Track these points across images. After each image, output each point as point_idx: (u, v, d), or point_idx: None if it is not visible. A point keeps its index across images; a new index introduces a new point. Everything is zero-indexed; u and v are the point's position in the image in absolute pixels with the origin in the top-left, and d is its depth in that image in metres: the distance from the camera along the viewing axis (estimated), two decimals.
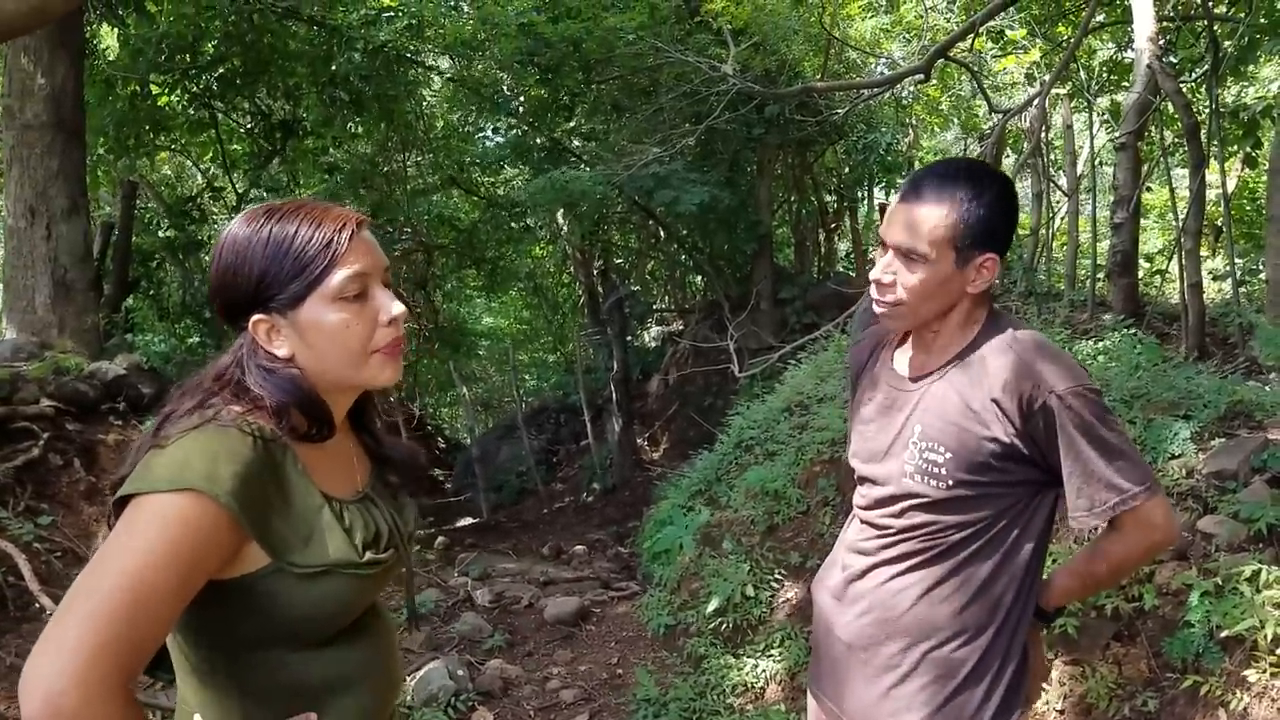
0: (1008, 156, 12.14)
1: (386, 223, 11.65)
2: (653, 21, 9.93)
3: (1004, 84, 12.22)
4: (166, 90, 9.95)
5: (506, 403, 20.10)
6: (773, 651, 4.51)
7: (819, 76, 11.08)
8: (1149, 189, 10.50)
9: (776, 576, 4.97)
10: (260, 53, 9.66)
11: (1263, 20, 6.80)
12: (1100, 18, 8.87)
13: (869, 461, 1.86)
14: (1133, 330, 6.13)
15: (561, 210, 11.57)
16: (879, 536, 1.82)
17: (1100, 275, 8.24)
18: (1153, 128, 7.68)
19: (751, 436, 6.48)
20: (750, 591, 4.85)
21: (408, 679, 4.50)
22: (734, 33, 9.17)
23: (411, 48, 10.61)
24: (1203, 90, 8.10)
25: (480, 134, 13.25)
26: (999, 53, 9.74)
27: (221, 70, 9.88)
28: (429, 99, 13.07)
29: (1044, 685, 3.36)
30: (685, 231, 12.80)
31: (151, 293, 10.33)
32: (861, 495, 1.90)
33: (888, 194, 14.05)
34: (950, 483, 1.69)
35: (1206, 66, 7.24)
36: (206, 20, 9.28)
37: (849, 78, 11.79)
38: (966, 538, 1.72)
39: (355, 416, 1.47)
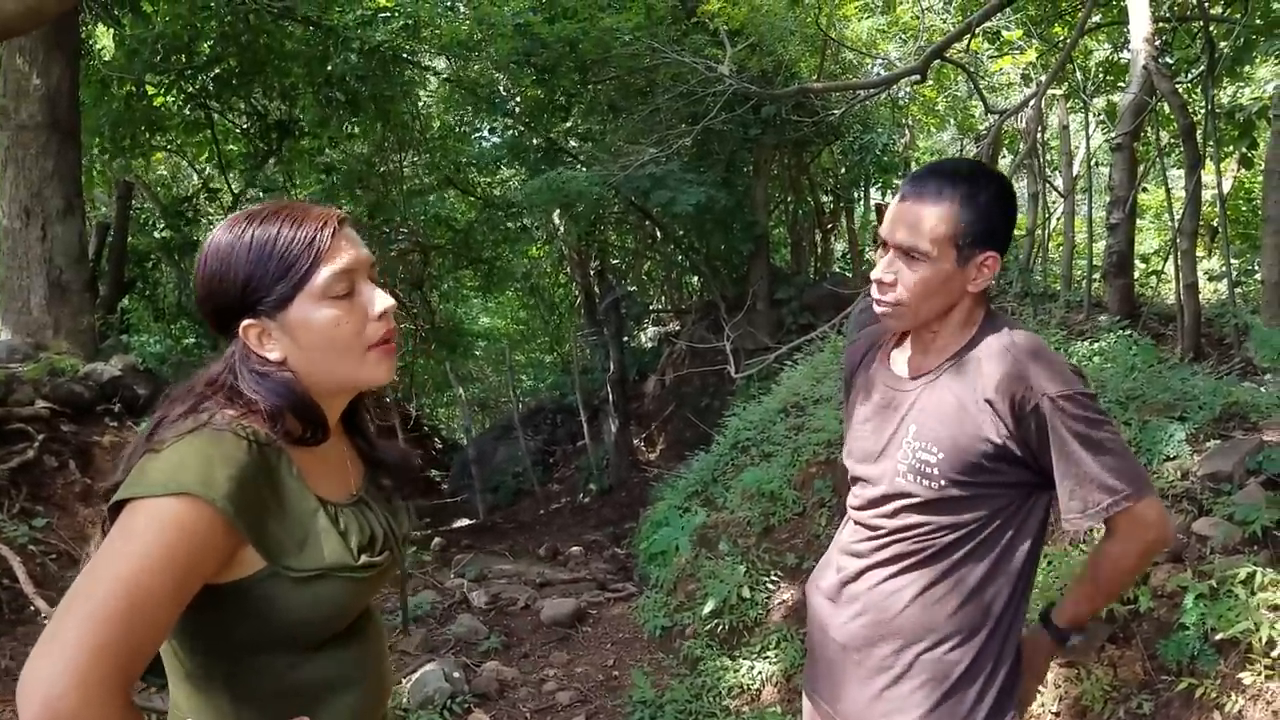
0: (1004, 157, 12.17)
1: (383, 223, 11.66)
2: (649, 22, 9.93)
3: (1000, 85, 12.23)
4: (162, 90, 9.94)
5: (503, 403, 20.11)
6: (769, 653, 4.52)
7: (815, 77, 11.07)
8: (1145, 189, 10.52)
9: (772, 578, 4.97)
10: (256, 53, 9.66)
11: (1259, 21, 6.81)
12: (1096, 18, 8.88)
13: (863, 461, 1.86)
14: (1128, 331, 6.14)
15: (558, 210, 11.57)
16: (872, 538, 1.82)
17: (1096, 276, 8.24)
18: (1149, 128, 7.68)
19: (748, 437, 6.48)
20: (746, 593, 4.86)
21: (403, 681, 4.49)
22: (730, 33, 9.17)
23: (408, 48, 10.60)
24: (1199, 91, 8.10)
25: (476, 134, 13.26)
26: (995, 53, 9.75)
27: (217, 70, 9.88)
28: (425, 99, 13.07)
29: (1040, 688, 3.37)
30: (682, 232, 12.81)
31: (147, 293, 10.34)
32: (855, 496, 1.90)
33: (884, 195, 14.05)
34: (942, 483, 1.70)
35: (1202, 67, 7.25)
36: (202, 20, 9.27)
37: (845, 78, 11.78)
38: (958, 539, 1.72)
39: (348, 420, 1.47)
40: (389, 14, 9.91)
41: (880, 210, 13.39)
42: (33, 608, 4.46)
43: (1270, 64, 9.92)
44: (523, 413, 16.71)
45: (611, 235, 14.80)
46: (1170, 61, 8.13)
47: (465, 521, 13.26)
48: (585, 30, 9.89)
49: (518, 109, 11.91)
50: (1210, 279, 10.30)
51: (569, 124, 12.18)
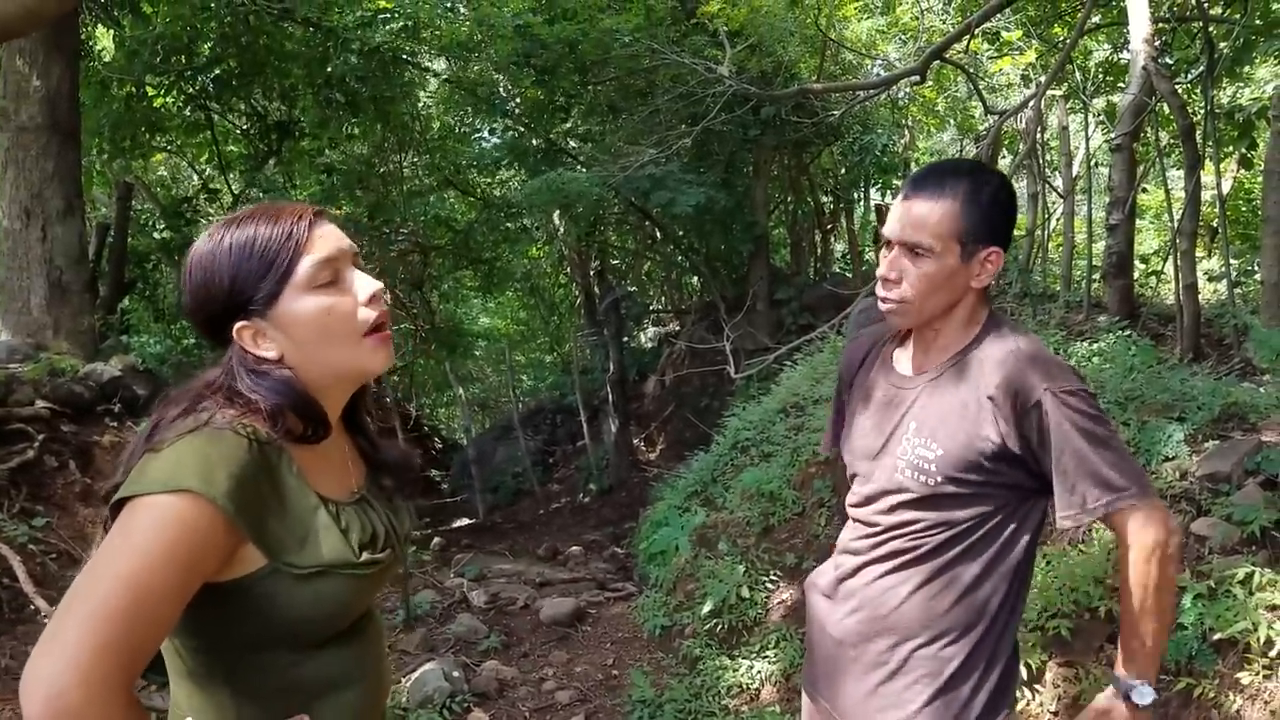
0: (1003, 158, 12.17)
1: (383, 224, 11.65)
2: (649, 23, 9.94)
3: (1000, 85, 12.24)
4: (162, 91, 9.94)
5: (503, 403, 20.11)
6: (768, 653, 4.52)
7: (815, 78, 11.07)
8: (1144, 190, 10.52)
9: (772, 578, 4.97)
10: (256, 54, 9.66)
11: (1258, 21, 6.82)
12: (1096, 19, 8.89)
13: (864, 458, 1.87)
14: (1127, 332, 6.14)
15: (558, 211, 11.58)
16: (869, 535, 1.83)
17: (1095, 276, 8.25)
18: (1148, 129, 7.68)
19: (747, 438, 6.49)
20: (745, 593, 4.86)
21: (403, 680, 4.50)
22: (730, 34, 9.18)
23: (407, 49, 10.60)
24: (1198, 91, 8.11)
25: (476, 135, 13.26)
26: (995, 54, 9.75)
27: (217, 71, 9.87)
28: (425, 100, 13.07)
29: (1037, 687, 3.38)
30: (681, 232, 12.81)
31: (147, 294, 10.32)
32: (853, 493, 1.92)
33: (884, 195, 14.07)
34: (939, 479, 1.70)
35: (1202, 67, 7.25)
36: (202, 21, 9.27)
37: (845, 79, 11.78)
38: (954, 537, 1.73)
39: (349, 419, 1.48)
40: (389, 15, 9.92)
41: (880, 211, 13.42)
42: (33, 607, 4.47)
43: (1270, 64, 9.92)
44: (522, 413, 16.72)
45: (611, 236, 14.81)
46: (1170, 62, 8.13)
47: (465, 521, 13.27)
48: (585, 31, 9.90)
49: (517, 110, 11.92)
50: (1210, 279, 10.30)
51: (569, 125, 12.19)
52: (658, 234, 14.09)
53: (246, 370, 1.28)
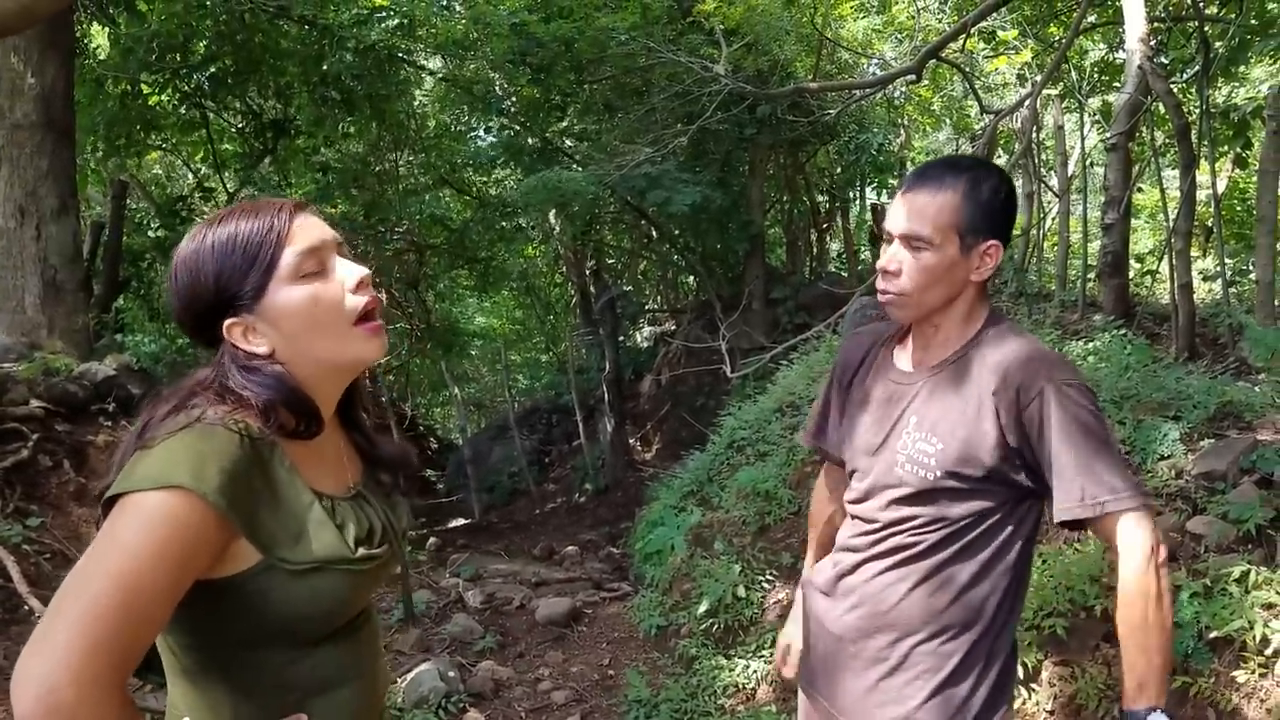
0: (999, 157, 12.16)
1: (378, 222, 11.64)
2: (645, 21, 9.92)
3: (995, 85, 12.26)
4: (157, 89, 9.92)
5: (498, 403, 20.08)
6: (764, 652, 4.51)
7: (811, 77, 11.07)
8: (1140, 190, 10.52)
9: (768, 577, 4.97)
10: (251, 52, 9.64)
11: (1253, 21, 6.83)
12: (1091, 19, 8.90)
13: (863, 454, 1.88)
14: (1123, 331, 6.15)
15: (554, 210, 11.54)
16: (868, 532, 1.84)
17: (1091, 276, 8.26)
18: (1144, 128, 7.70)
19: (743, 437, 6.49)
20: (742, 592, 4.86)
21: (398, 681, 4.49)
22: (726, 33, 9.17)
23: (403, 47, 10.59)
24: (1193, 91, 8.13)
25: (472, 134, 13.23)
26: (991, 53, 9.77)
27: (212, 69, 9.86)
28: (421, 99, 13.06)
29: (1033, 685, 3.38)
30: (677, 232, 12.80)
31: (142, 293, 10.29)
32: (852, 489, 1.92)
33: (879, 194, 14.08)
34: (939, 473, 1.71)
35: (1197, 67, 7.26)
36: (197, 19, 9.26)
37: (841, 78, 11.80)
38: (952, 534, 1.73)
39: (344, 415, 1.47)
40: (384, 13, 9.91)
41: (876, 211, 13.43)
42: (27, 607, 4.46)
43: (1265, 64, 9.95)
44: (518, 412, 16.70)
45: (607, 235, 14.79)
46: (1165, 61, 8.14)
47: (461, 521, 13.26)
48: (581, 30, 9.88)
49: (513, 108, 11.89)
50: (1205, 279, 10.32)
51: (565, 123, 12.18)
52: (653, 233, 14.08)
53: (238, 367, 1.27)
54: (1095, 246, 8.29)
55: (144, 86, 9.71)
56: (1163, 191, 7.94)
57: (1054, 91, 9.80)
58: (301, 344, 1.29)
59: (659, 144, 9.29)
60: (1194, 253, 9.30)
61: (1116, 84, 8.59)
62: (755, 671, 4.41)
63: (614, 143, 10.13)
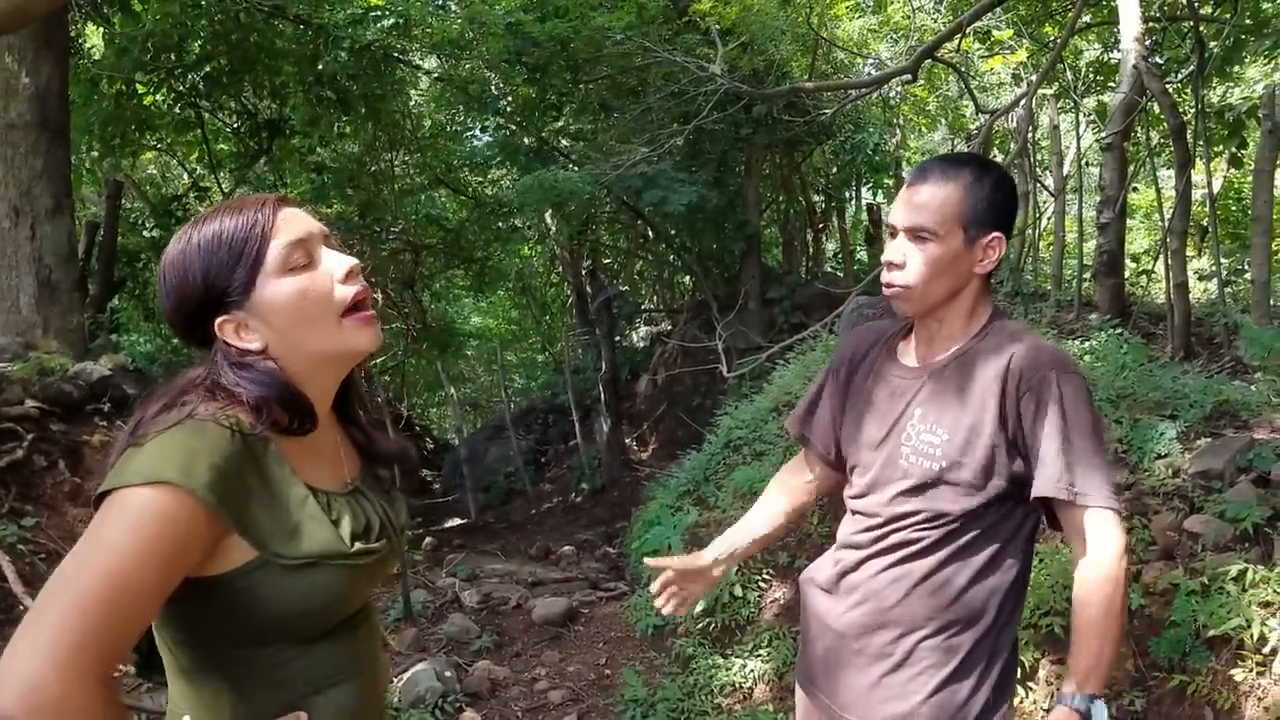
0: (995, 157, 12.18)
1: (374, 222, 11.62)
2: (640, 21, 9.92)
3: (991, 84, 12.25)
4: (152, 89, 9.89)
5: (494, 403, 20.07)
6: (760, 651, 4.51)
7: (807, 76, 11.08)
8: (1135, 189, 10.54)
9: (764, 577, 4.97)
10: (246, 51, 9.61)
11: (1248, 21, 6.84)
12: (1087, 18, 8.91)
13: (866, 448, 1.88)
14: (1119, 330, 6.16)
15: (549, 210, 11.54)
16: (871, 528, 1.84)
17: (1086, 275, 8.27)
18: (1139, 128, 7.71)
19: (740, 436, 6.48)
20: (738, 592, 4.85)
21: (395, 681, 4.49)
22: (722, 32, 9.16)
23: (399, 47, 10.56)
24: (1188, 90, 8.13)
25: (468, 133, 13.21)
26: (986, 53, 9.75)
27: (207, 69, 9.83)
28: (416, 98, 13.03)
29: (1030, 684, 3.38)
30: (673, 231, 12.80)
31: (137, 293, 10.25)
32: (853, 485, 1.92)
33: (875, 194, 14.09)
34: (944, 464, 1.72)
35: (1192, 67, 7.27)
36: (192, 19, 9.23)
37: (837, 78, 11.80)
38: (954, 530, 1.74)
39: (341, 411, 1.47)
40: (380, 13, 9.88)
41: (873, 211, 13.44)
42: (22, 607, 4.44)
43: (1260, 64, 9.96)
44: (514, 412, 16.69)
45: (603, 235, 14.78)
46: (1160, 61, 8.16)
47: (457, 521, 13.25)
48: (577, 29, 9.87)
49: (509, 108, 11.88)
50: (1200, 278, 10.33)
51: (560, 123, 12.16)
52: (650, 233, 14.08)
53: (229, 364, 1.27)
54: (1091, 246, 8.30)
55: (139, 86, 9.68)
56: (1158, 191, 7.93)
57: (1049, 91, 9.81)
58: (293, 338, 1.29)
59: (655, 144, 9.28)
60: (1189, 252, 9.32)
61: (1112, 84, 8.60)
62: (752, 671, 4.41)
63: (610, 142, 10.12)
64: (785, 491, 2.16)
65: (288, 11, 9.27)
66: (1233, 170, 10.17)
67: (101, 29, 9.54)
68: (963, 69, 9.17)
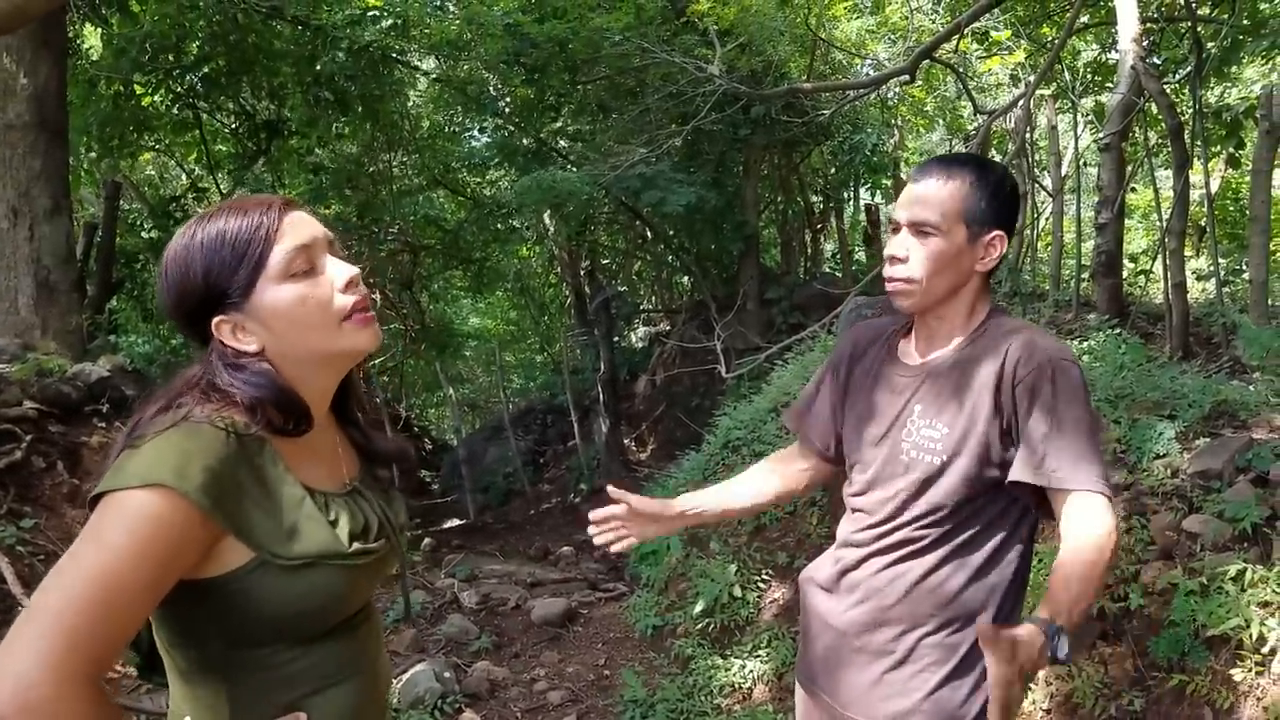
0: (993, 157, 12.19)
1: (372, 223, 11.61)
2: (639, 22, 9.92)
3: (989, 85, 12.26)
4: (150, 90, 9.88)
5: (493, 403, 20.06)
6: (760, 652, 4.51)
7: (805, 77, 11.09)
8: (1133, 189, 10.54)
9: (764, 577, 4.97)
10: (245, 52, 9.61)
11: (1245, 21, 6.85)
12: (1085, 19, 8.91)
13: (867, 445, 1.88)
14: (1117, 330, 6.15)
15: (548, 210, 11.55)
16: (871, 526, 1.84)
17: (1085, 275, 8.27)
18: (1137, 128, 7.71)
19: (738, 437, 6.48)
20: (737, 592, 4.86)
21: (395, 681, 4.48)
22: (720, 33, 9.17)
23: (397, 48, 10.56)
24: (1186, 91, 8.14)
25: (466, 134, 13.22)
26: (984, 54, 9.76)
27: (206, 70, 9.82)
28: (414, 99, 13.03)
29: (1030, 685, 3.38)
30: (672, 232, 12.81)
31: (135, 294, 10.25)
32: (853, 482, 1.93)
33: (873, 195, 14.10)
34: (945, 458, 1.73)
35: (1190, 67, 7.27)
36: (190, 20, 9.23)
37: (835, 79, 11.81)
38: (954, 528, 1.75)
39: (340, 411, 1.47)
40: (378, 13, 9.88)
41: (871, 211, 13.44)
42: (20, 608, 4.44)
43: (1257, 64, 9.98)
44: (513, 413, 16.68)
45: (602, 235, 14.79)
46: (1158, 62, 8.16)
47: (456, 522, 13.25)
48: (575, 30, 9.88)
49: (507, 109, 11.88)
50: (1198, 278, 10.33)
51: (559, 124, 12.17)
52: (648, 233, 14.10)
53: (225, 365, 1.27)
54: (1089, 246, 8.30)
55: (137, 87, 9.68)
56: (1156, 191, 7.93)
57: (1047, 92, 9.81)
58: (291, 342, 1.29)
59: (653, 144, 9.29)
60: (1188, 252, 9.33)
61: (1109, 84, 8.60)
62: (752, 671, 4.41)
63: (608, 143, 10.12)
64: (777, 474, 2.15)
65: (286, 12, 9.26)
66: (1230, 170, 10.18)
67: (100, 29, 9.53)
68: (961, 70, 9.17)
